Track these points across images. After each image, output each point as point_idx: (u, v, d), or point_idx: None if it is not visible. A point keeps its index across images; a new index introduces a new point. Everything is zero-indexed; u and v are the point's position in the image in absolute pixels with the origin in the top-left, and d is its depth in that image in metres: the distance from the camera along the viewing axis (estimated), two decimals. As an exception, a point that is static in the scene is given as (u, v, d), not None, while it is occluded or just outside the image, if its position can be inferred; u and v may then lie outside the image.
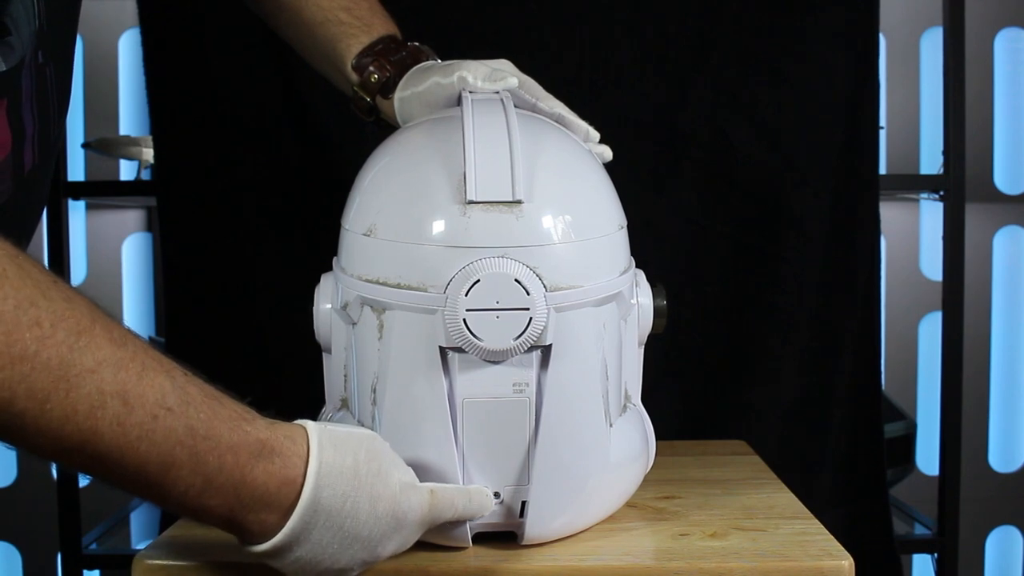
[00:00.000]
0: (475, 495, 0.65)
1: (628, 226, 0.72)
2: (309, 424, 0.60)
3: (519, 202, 0.63)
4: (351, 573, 0.61)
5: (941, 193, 1.33)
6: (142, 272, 1.65)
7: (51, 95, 0.71)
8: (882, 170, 1.32)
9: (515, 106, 0.71)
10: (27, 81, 0.66)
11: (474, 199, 0.63)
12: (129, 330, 0.54)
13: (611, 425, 0.70)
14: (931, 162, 1.60)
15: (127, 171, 1.59)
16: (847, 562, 0.66)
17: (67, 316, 0.50)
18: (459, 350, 0.64)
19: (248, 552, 0.58)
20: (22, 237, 0.74)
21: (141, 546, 0.78)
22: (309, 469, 0.57)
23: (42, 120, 0.70)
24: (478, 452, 0.66)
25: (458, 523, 0.66)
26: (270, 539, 0.57)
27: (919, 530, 1.40)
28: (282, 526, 0.57)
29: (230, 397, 0.57)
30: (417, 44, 0.86)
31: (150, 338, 1.58)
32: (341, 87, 0.88)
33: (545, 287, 0.63)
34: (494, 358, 0.64)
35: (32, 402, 0.49)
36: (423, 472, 0.65)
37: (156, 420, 0.52)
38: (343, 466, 0.58)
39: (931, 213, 1.63)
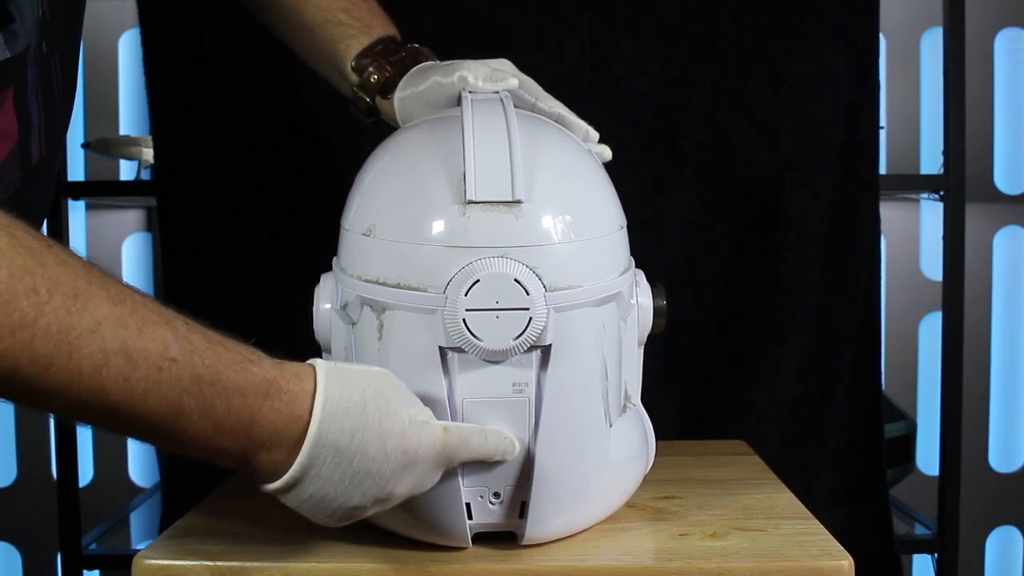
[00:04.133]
0: (491, 436, 0.64)
1: (628, 226, 0.72)
2: (318, 362, 0.60)
3: (519, 202, 0.63)
4: (364, 512, 0.61)
5: (941, 193, 1.33)
6: (142, 272, 1.65)
7: (56, 86, 0.71)
8: (882, 170, 1.32)
9: (515, 106, 0.71)
10: (32, 70, 0.66)
11: (474, 199, 0.63)
12: (127, 285, 0.55)
13: (611, 425, 0.70)
14: (931, 162, 1.60)
15: (127, 171, 1.59)
16: (847, 562, 0.66)
17: (63, 280, 0.51)
18: (459, 350, 0.64)
19: (265, 491, 0.59)
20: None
21: (141, 546, 0.78)
22: (315, 405, 0.57)
23: (48, 111, 0.70)
24: (478, 452, 0.66)
25: (458, 522, 0.66)
26: (281, 477, 0.58)
27: (919, 530, 1.40)
28: (291, 463, 0.57)
29: (235, 340, 0.58)
30: (416, 45, 0.86)
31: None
32: (341, 88, 0.88)
33: (545, 287, 0.63)
34: (494, 358, 0.64)
35: (37, 367, 0.50)
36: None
37: (161, 372, 0.53)
38: (350, 401, 0.58)
39: (931, 213, 1.63)
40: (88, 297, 0.51)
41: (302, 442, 0.57)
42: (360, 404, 0.58)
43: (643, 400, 0.78)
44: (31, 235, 0.52)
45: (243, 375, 0.56)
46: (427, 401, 0.64)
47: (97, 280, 0.53)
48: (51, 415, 0.56)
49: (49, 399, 0.52)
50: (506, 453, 0.64)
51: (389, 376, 0.62)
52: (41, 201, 0.75)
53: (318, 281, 0.74)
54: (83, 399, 0.52)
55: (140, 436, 0.56)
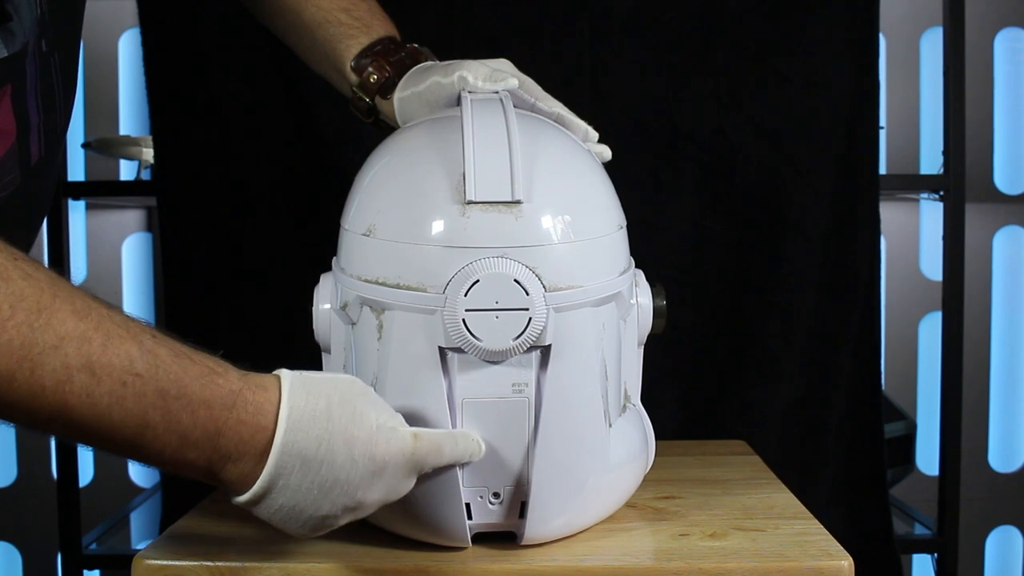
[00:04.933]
0: (460, 438, 0.64)
1: (628, 226, 0.72)
2: (284, 372, 0.60)
3: (518, 202, 0.63)
4: (335, 521, 0.61)
5: (941, 193, 1.33)
6: (142, 272, 1.65)
7: (56, 85, 0.71)
8: (882, 170, 1.32)
9: (515, 106, 0.71)
10: (31, 69, 0.66)
11: (473, 199, 0.63)
12: (94, 298, 0.55)
13: (611, 425, 0.70)
14: (931, 162, 1.60)
15: (127, 171, 1.59)
16: (847, 562, 0.66)
17: (27, 295, 0.51)
18: (459, 350, 0.64)
19: (236, 504, 0.59)
20: (30, 230, 0.74)
21: (141, 546, 0.78)
22: (280, 414, 0.57)
23: (47, 110, 0.70)
24: (478, 452, 0.66)
25: (458, 522, 0.66)
26: (250, 488, 0.58)
27: (919, 530, 1.40)
28: (259, 474, 0.57)
29: (202, 352, 0.58)
30: (416, 45, 0.86)
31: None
32: (340, 88, 0.88)
33: (544, 287, 0.63)
34: (494, 358, 0.64)
35: None
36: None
37: (125, 387, 0.53)
38: (315, 410, 0.58)
39: (931, 213, 1.63)
40: (52, 312, 0.51)
41: (268, 452, 0.57)
42: (326, 412, 0.58)
43: (643, 400, 0.78)
44: None
45: (208, 388, 0.56)
46: (427, 402, 0.65)
47: (63, 294, 0.52)
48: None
49: (11, 413, 0.52)
50: (473, 455, 0.64)
51: (356, 382, 0.62)
52: (41, 201, 0.75)
53: (318, 281, 0.74)
54: (46, 414, 0.52)
55: (106, 449, 0.56)
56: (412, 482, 0.62)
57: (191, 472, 0.58)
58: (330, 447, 0.58)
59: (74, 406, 0.52)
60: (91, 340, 0.52)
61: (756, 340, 1.26)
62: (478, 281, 0.62)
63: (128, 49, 1.59)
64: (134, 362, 0.53)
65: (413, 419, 0.65)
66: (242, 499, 0.59)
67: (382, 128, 0.86)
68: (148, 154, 1.39)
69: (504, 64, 0.80)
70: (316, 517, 0.59)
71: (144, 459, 0.57)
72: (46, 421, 0.52)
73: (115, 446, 0.55)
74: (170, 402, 0.55)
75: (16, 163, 0.67)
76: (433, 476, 0.64)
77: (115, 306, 0.56)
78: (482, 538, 0.69)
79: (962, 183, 1.31)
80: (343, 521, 0.61)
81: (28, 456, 1.64)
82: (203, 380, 0.56)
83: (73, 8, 0.75)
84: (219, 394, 0.56)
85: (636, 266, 0.74)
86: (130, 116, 1.62)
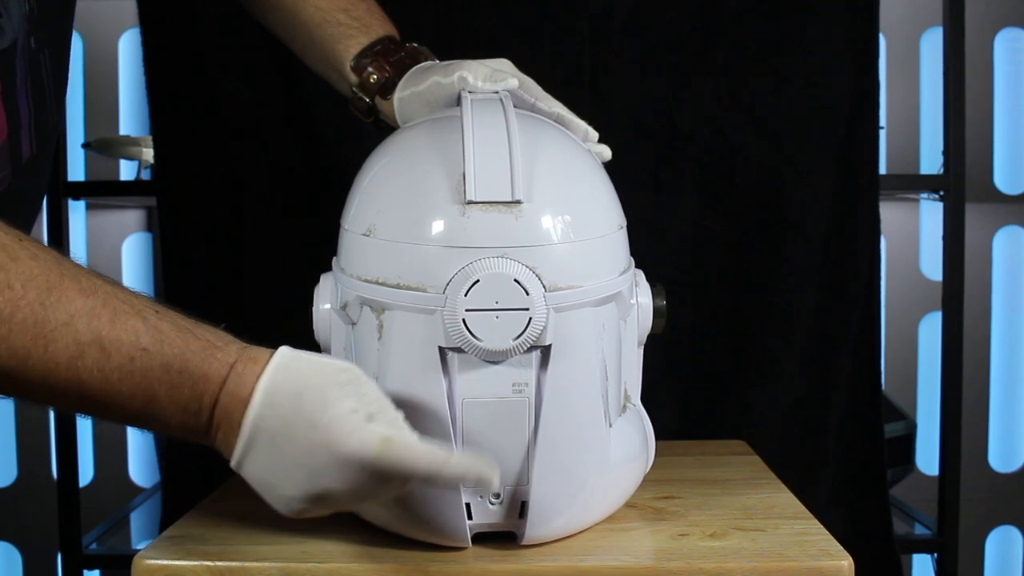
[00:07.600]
0: (460, 463, 0.57)
1: (628, 226, 0.72)
2: (283, 349, 0.60)
3: (518, 202, 0.64)
4: (304, 506, 0.59)
5: (941, 193, 1.33)
6: (142, 272, 1.65)
7: (47, 82, 0.71)
8: (882, 170, 1.32)
9: (515, 106, 0.71)
10: (21, 66, 0.67)
11: (473, 199, 0.63)
12: (97, 275, 0.57)
13: (611, 425, 0.70)
14: (931, 162, 1.60)
15: (127, 171, 1.59)
16: (847, 562, 0.66)
17: (36, 274, 0.53)
18: (458, 350, 0.64)
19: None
20: (22, 228, 0.74)
21: (141, 546, 0.78)
22: (257, 388, 0.58)
23: (38, 107, 0.70)
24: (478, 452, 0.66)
25: (458, 522, 0.66)
26: (231, 457, 0.59)
27: (919, 530, 1.40)
28: (235, 444, 0.59)
29: (204, 325, 0.59)
30: (416, 45, 0.86)
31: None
32: (340, 88, 0.88)
33: (544, 287, 0.63)
34: (494, 358, 0.64)
35: (14, 361, 0.52)
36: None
37: (133, 362, 0.55)
38: (290, 390, 0.58)
39: (931, 213, 1.63)
40: (61, 291, 0.53)
41: (243, 424, 0.58)
42: (298, 392, 0.58)
43: (643, 400, 0.78)
44: (2, 231, 0.53)
45: (208, 362, 0.58)
46: (427, 402, 0.64)
47: (69, 273, 0.55)
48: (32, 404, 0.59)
49: (27, 390, 0.54)
50: (478, 483, 0.57)
51: (349, 371, 0.59)
52: (33, 199, 0.75)
53: (318, 281, 0.74)
54: (60, 389, 0.54)
55: (114, 420, 0.58)
56: (387, 487, 0.58)
57: (195, 438, 0.60)
58: (294, 429, 0.57)
59: (87, 381, 0.54)
60: (99, 316, 0.54)
61: (756, 340, 1.26)
62: (478, 281, 0.62)
63: (128, 49, 1.59)
64: (140, 337, 0.56)
65: (413, 419, 0.65)
66: (231, 465, 0.60)
67: (382, 128, 0.86)
68: (148, 154, 1.39)
69: (504, 64, 0.80)
70: (284, 497, 0.59)
71: (152, 429, 0.59)
72: (60, 397, 0.55)
73: (125, 419, 0.58)
74: (173, 376, 0.57)
75: (7, 160, 0.67)
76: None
77: (117, 282, 0.58)
78: (482, 538, 0.69)
79: (962, 183, 1.31)
80: (314, 510, 0.59)
81: (28, 456, 1.64)
82: (204, 354, 0.58)
83: (64, 5, 0.74)
84: (216, 368, 0.58)
85: (636, 266, 0.74)
86: (130, 116, 1.62)
